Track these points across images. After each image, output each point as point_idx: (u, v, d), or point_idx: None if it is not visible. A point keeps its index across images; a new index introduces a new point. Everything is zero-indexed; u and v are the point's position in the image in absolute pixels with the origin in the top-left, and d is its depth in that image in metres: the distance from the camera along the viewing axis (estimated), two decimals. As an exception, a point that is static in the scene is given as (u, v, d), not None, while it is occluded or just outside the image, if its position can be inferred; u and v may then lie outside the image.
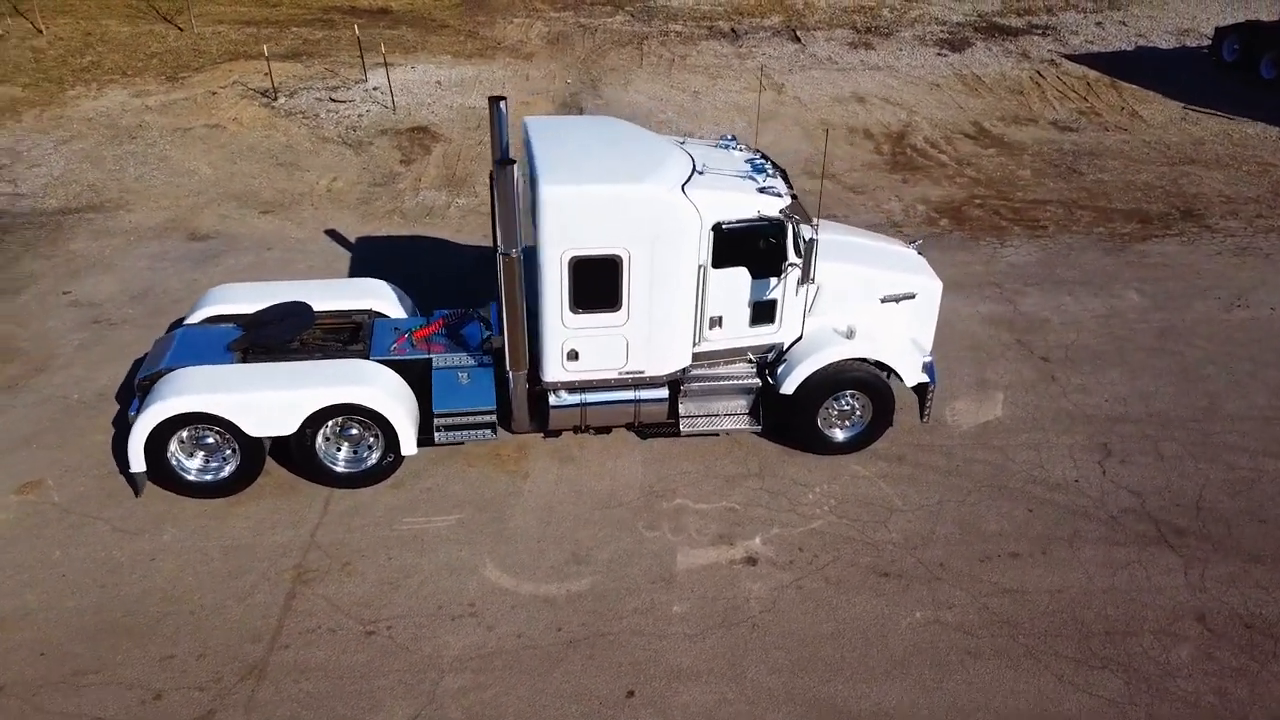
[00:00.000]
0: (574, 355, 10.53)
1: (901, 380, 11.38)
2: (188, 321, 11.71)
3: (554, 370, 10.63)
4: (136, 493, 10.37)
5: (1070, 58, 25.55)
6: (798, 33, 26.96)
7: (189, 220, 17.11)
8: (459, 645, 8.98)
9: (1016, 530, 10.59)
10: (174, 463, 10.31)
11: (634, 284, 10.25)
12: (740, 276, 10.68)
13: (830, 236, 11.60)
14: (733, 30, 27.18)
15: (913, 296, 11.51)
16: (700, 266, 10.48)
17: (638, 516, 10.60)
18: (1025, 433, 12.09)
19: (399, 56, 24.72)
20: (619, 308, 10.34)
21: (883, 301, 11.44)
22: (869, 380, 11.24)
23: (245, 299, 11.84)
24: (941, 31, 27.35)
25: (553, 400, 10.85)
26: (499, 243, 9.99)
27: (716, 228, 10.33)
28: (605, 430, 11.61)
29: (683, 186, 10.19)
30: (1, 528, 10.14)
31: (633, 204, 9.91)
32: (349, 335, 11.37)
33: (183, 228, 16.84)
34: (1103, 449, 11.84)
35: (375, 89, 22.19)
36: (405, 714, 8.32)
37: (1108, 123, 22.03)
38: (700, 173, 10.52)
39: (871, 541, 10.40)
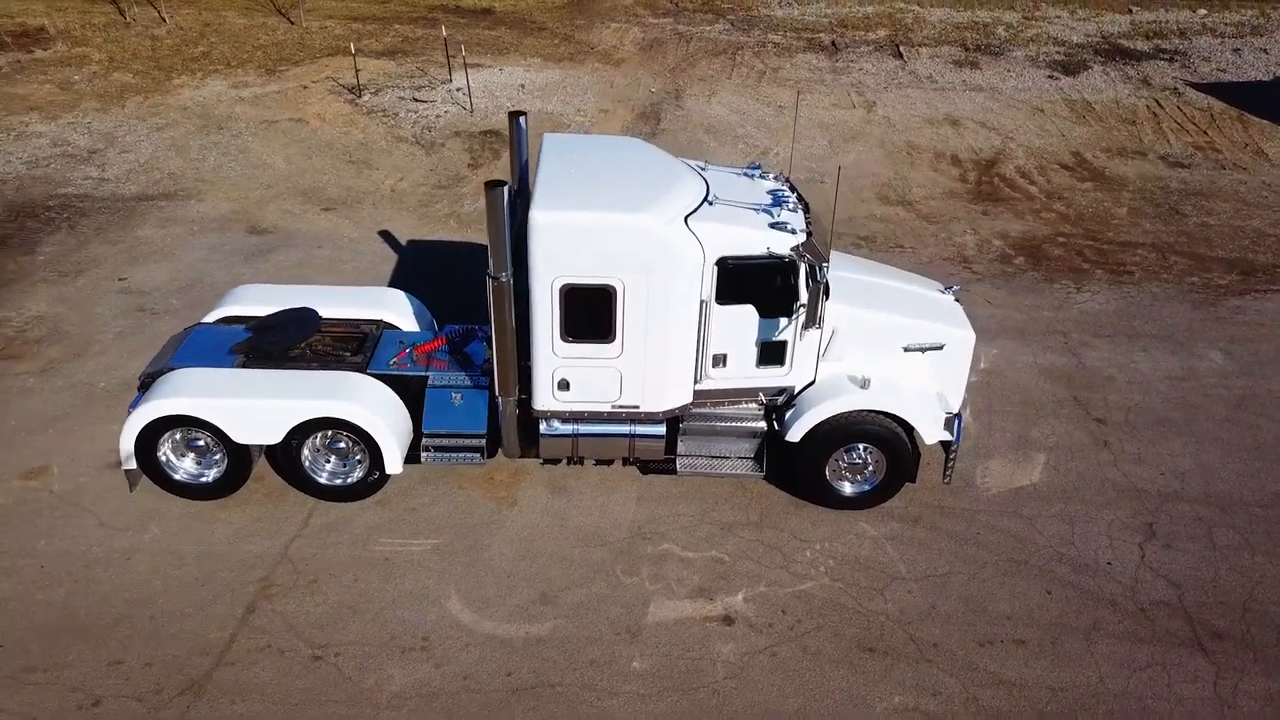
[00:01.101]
0: (565, 385, 10.12)
1: (920, 437, 10.53)
2: (205, 320, 11.80)
3: (544, 399, 10.24)
4: (130, 488, 10.47)
5: (1196, 86, 23.65)
6: (901, 48, 25.84)
7: (252, 213, 17.45)
8: (402, 681, 8.69)
9: (1028, 614, 9.65)
10: (164, 462, 10.37)
11: (629, 316, 9.76)
12: (746, 315, 10.06)
13: (855, 276, 10.91)
14: (833, 44, 26.25)
15: (940, 347, 10.65)
16: (703, 302, 9.91)
17: (619, 559, 10.12)
18: (1061, 503, 11.06)
19: (490, 58, 24.80)
20: (612, 339, 9.87)
21: (906, 350, 10.62)
22: (883, 434, 10.45)
23: (264, 301, 11.85)
24: (1057, 53, 25.76)
25: (544, 428, 10.47)
26: (488, 266, 9.66)
27: (721, 262, 9.75)
28: (607, 460, 11.16)
29: (686, 217, 9.64)
30: (3, 514, 10.39)
31: (626, 234, 9.43)
32: (354, 346, 11.24)
33: (245, 220, 17.18)
34: (1146, 529, 10.72)
35: (458, 90, 22.28)
36: (329, 750, 8.09)
37: (1225, 160, 20.24)
38: (710, 203, 9.95)
39: (863, 610, 9.64)
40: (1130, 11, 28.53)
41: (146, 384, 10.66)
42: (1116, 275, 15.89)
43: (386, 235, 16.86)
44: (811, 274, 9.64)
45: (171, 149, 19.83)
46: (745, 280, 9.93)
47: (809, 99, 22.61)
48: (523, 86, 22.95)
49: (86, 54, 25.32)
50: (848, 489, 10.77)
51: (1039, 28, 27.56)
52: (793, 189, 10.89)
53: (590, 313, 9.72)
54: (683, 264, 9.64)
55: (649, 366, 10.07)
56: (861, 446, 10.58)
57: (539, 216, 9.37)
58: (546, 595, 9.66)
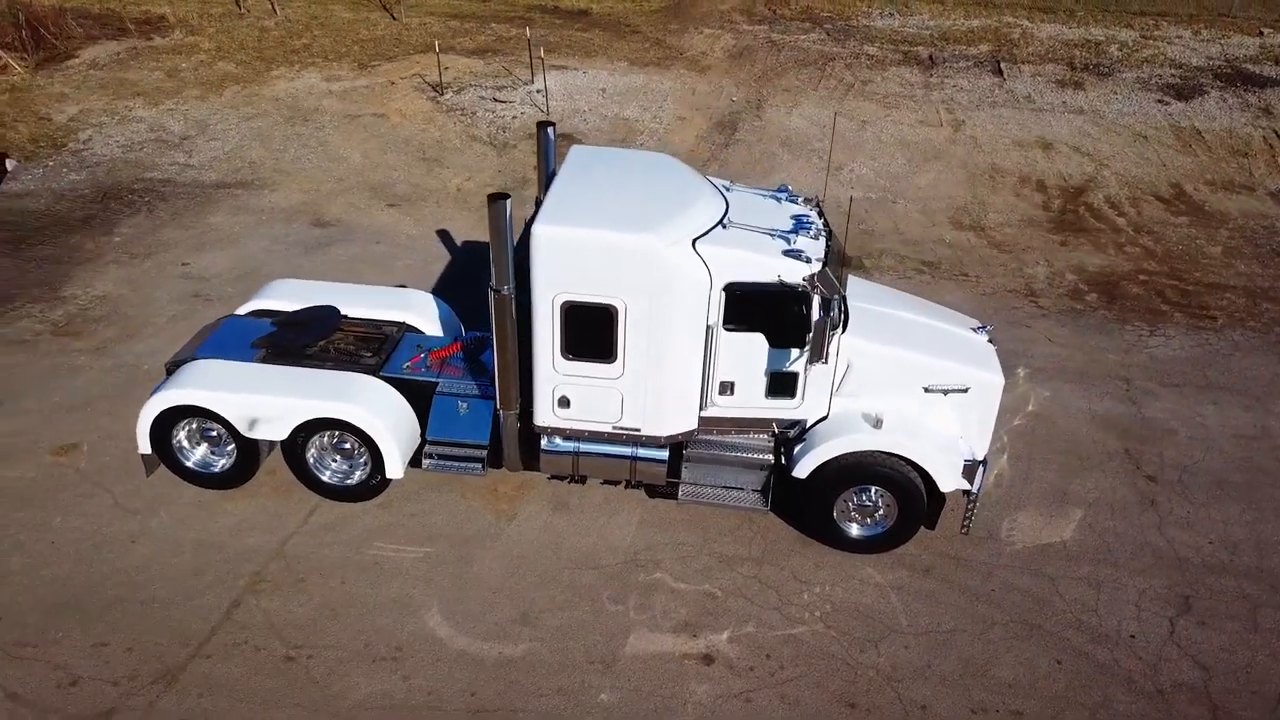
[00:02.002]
0: (565, 402, 9.95)
1: (935, 483, 9.97)
2: (238, 311, 12.07)
3: (544, 415, 10.09)
4: (146, 473, 10.77)
5: (1324, 118, 21.92)
6: (1002, 65, 24.75)
7: (320, 206, 17.85)
8: (366, 690, 8.67)
9: (1032, 683, 9.02)
10: (178, 449, 10.63)
11: (631, 337, 9.52)
12: (755, 343, 9.70)
13: (879, 309, 10.42)
14: (930, 58, 25.34)
15: (964, 390, 10.05)
16: (710, 327, 9.60)
17: (608, 584, 9.89)
18: (1090, 565, 10.32)
19: (577, 60, 24.82)
20: (613, 360, 9.65)
21: (927, 391, 10.07)
22: (894, 478, 9.93)
23: (298, 296, 12.04)
24: (1172, 75, 24.25)
25: (545, 444, 10.33)
26: (491, 279, 9.56)
27: (729, 288, 9.42)
28: (614, 480, 10.95)
29: (695, 240, 9.34)
30: (25, 486, 10.84)
31: (628, 254, 9.18)
32: (374, 347, 11.30)
33: (311, 212, 17.58)
34: (1181, 602, 9.90)
35: (537, 91, 22.35)
36: (281, 754, 8.12)
37: (1345, 201, 18.69)
38: (724, 226, 9.62)
39: (853, 662, 9.17)
40: (1261, 34, 26.67)
41: (172, 371, 10.96)
42: (1197, 320, 14.81)
43: (444, 234, 17.01)
44: (824, 306, 9.23)
45: (256, 139, 20.48)
46: (754, 308, 9.57)
47: (893, 115, 21.87)
48: (603, 90, 22.88)
49: (198, 43, 26.41)
50: (855, 531, 10.29)
51: (1156, 48, 26.01)
52: (820, 214, 10.44)
53: (591, 331, 9.52)
54: (687, 287, 9.35)
55: (651, 390, 9.81)
56: (873, 489, 10.09)
57: (541, 231, 9.23)
58: (527, 615, 9.51)
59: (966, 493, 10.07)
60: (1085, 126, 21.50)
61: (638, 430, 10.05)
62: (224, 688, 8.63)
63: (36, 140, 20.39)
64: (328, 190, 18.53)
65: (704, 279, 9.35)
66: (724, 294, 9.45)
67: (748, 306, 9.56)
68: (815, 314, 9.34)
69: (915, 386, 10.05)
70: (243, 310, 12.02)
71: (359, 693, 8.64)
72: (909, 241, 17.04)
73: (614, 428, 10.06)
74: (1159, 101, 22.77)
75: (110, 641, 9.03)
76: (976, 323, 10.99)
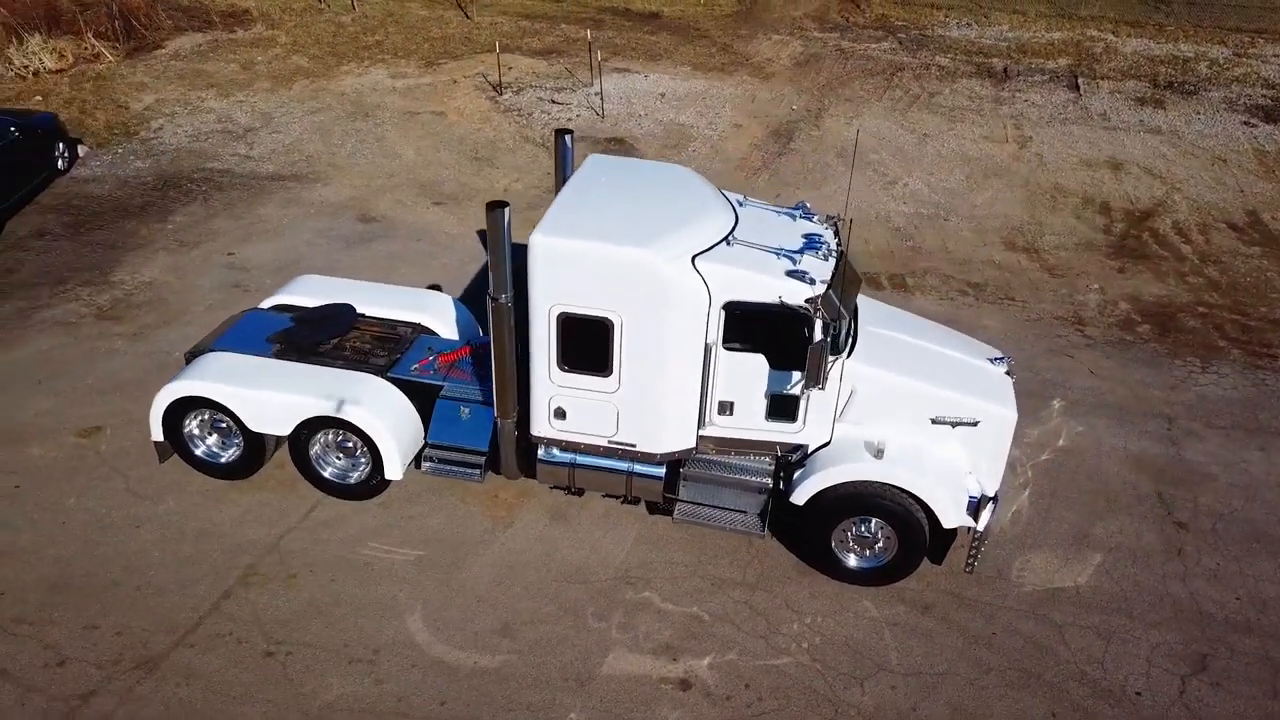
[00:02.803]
0: (561, 414, 9.86)
1: (937, 519, 9.59)
2: (261, 305, 12.28)
3: (541, 425, 10.02)
4: (159, 459, 11.03)
5: None
6: (1079, 80, 23.84)
7: (368, 202, 18.10)
8: (337, 691, 8.71)
9: (1021, 736, 8.60)
10: (189, 438, 10.86)
11: (627, 351, 9.38)
12: (755, 364, 9.47)
13: (890, 334, 10.07)
14: (1004, 70, 24.55)
15: (974, 424, 9.64)
16: (709, 345, 9.40)
17: (594, 600, 9.77)
18: (1103, 614, 9.81)
19: (640, 63, 24.75)
20: (609, 373, 9.52)
21: (934, 422, 9.69)
22: (894, 510, 9.59)
23: (321, 292, 12.21)
24: (1263, 96, 23.04)
25: (542, 454, 10.26)
26: (489, 287, 9.52)
27: (728, 307, 9.21)
28: (614, 494, 10.81)
29: (695, 256, 9.15)
30: (48, 465, 11.21)
31: (625, 268, 9.04)
32: (386, 347, 11.37)
33: (359, 208, 17.84)
34: (1197, 660, 9.34)
35: (596, 94, 22.32)
36: (246, 749, 8.20)
37: None
38: (728, 243, 9.41)
39: (834, 699, 8.87)
40: (1366, 54, 25.15)
41: (190, 360, 11.20)
42: (1255, 358, 13.98)
43: (485, 235, 17.05)
44: (824, 329, 8.94)
45: (316, 133, 20.89)
46: (754, 328, 9.34)
47: (957, 128, 21.23)
48: (662, 95, 22.74)
49: (275, 37, 27.10)
50: (853, 561, 9.97)
51: (1249, 66, 24.75)
52: (836, 234, 10.13)
53: (587, 344, 9.41)
54: (685, 304, 9.16)
55: (647, 405, 9.66)
56: (873, 520, 9.75)
57: (539, 240, 9.15)
58: (508, 627, 9.44)
59: (973, 530, 9.66)
60: (1161, 147, 20.56)
61: (633, 446, 9.91)
62: (201, 679, 8.77)
63: (111, 127, 21.15)
64: (378, 186, 18.78)
65: (703, 296, 9.15)
66: (723, 312, 9.24)
67: (747, 326, 9.34)
68: (817, 337, 9.06)
69: (922, 417, 9.68)
70: (266, 304, 12.23)
71: (330, 694, 8.69)
72: (956, 261, 16.50)
73: (609, 442, 9.93)
74: (1245, 123, 21.65)
75: (101, 625, 9.26)
76: (996, 352, 10.54)
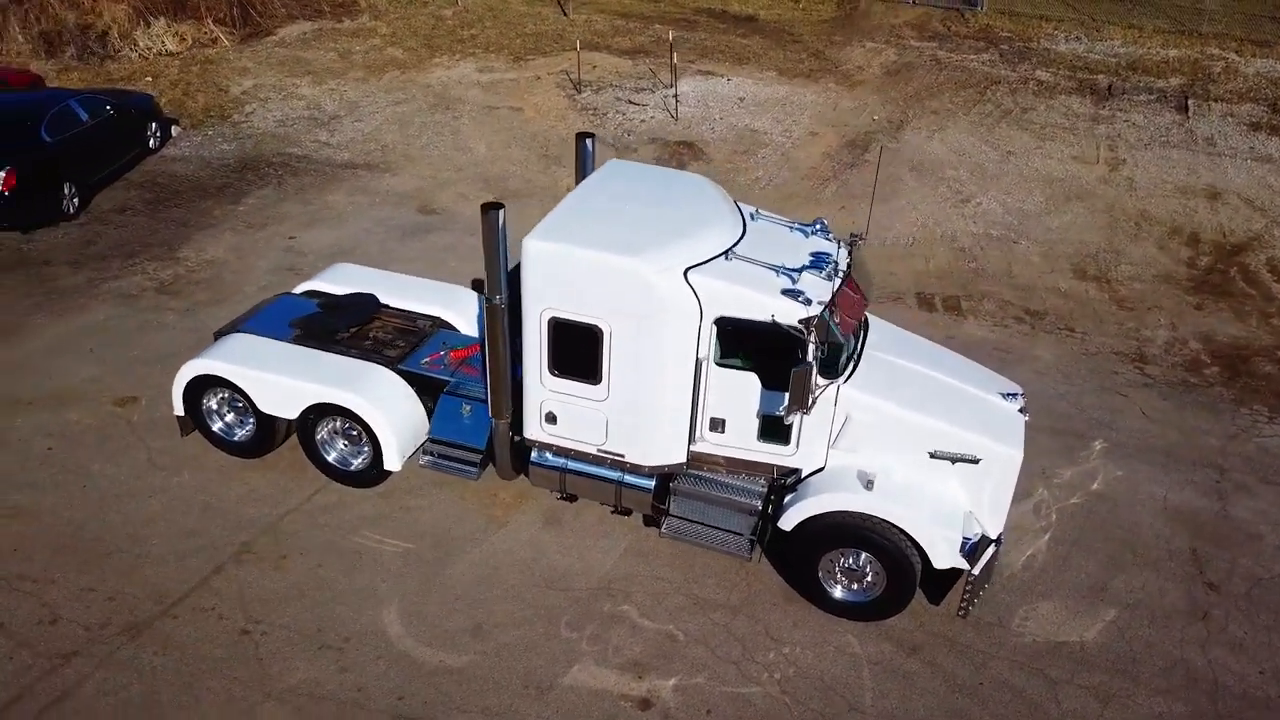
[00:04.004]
0: (552, 418, 9.81)
1: (928, 558, 9.15)
2: (294, 290, 12.61)
3: (533, 429, 9.99)
4: (181, 433, 11.45)
5: None
6: (1189, 101, 22.47)
7: (432, 194, 18.43)
8: (301, 676, 8.86)
9: (989, 796, 8.13)
10: (207, 414, 11.23)
11: (616, 361, 9.26)
12: (747, 381, 9.22)
13: (896, 361, 9.68)
14: (1108, 88, 23.33)
15: (975, 461, 9.16)
16: (700, 360, 9.19)
17: (570, 609, 9.68)
18: (1106, 674, 9.19)
19: (726, 66, 24.48)
20: (599, 381, 9.41)
21: (932, 456, 9.25)
22: (882, 545, 9.19)
23: (355, 281, 12.46)
24: (1395, 127, 21.26)
25: (534, 457, 10.22)
26: (485, 289, 9.54)
27: (720, 322, 8.99)
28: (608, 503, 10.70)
29: (688, 269, 8.95)
30: (82, 431, 11.76)
31: (615, 277, 8.91)
32: (402, 339, 11.52)
33: (422, 199, 18.18)
34: (1201, 736, 8.66)
35: (674, 96, 22.18)
36: (203, 723, 8.42)
37: None
38: (727, 258, 9.17)
39: (796, 736, 8.57)
40: None
41: (218, 339, 11.59)
42: (1333, 412, 12.91)
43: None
44: (812, 351, 8.63)
45: (396, 123, 21.38)
46: (747, 345, 9.11)
47: (1045, 147, 20.28)
48: (741, 100, 22.44)
49: (376, 28, 27.88)
50: (838, 593, 9.62)
51: (1385, 93, 22.87)
52: (850, 254, 9.77)
53: (576, 350, 9.33)
54: (675, 317, 8.97)
55: (636, 417, 9.52)
56: (863, 554, 9.38)
57: (532, 245, 9.12)
58: (481, 628, 9.44)
59: (958, 573, 9.18)
60: (1268, 177, 19.19)
61: (622, 456, 9.78)
62: (177, 649, 9.05)
63: (208, 110, 22.11)
64: (444, 179, 19.10)
65: (694, 310, 8.95)
66: (715, 327, 9.02)
67: (739, 343, 9.12)
68: (810, 358, 8.75)
69: (920, 450, 9.24)
70: (299, 289, 12.55)
71: (294, 677, 8.84)
72: (1019, 286, 15.76)
73: (599, 450, 9.83)
74: (1368, 156, 20.01)
75: (97, 588, 9.65)
76: (1012, 387, 10.00)
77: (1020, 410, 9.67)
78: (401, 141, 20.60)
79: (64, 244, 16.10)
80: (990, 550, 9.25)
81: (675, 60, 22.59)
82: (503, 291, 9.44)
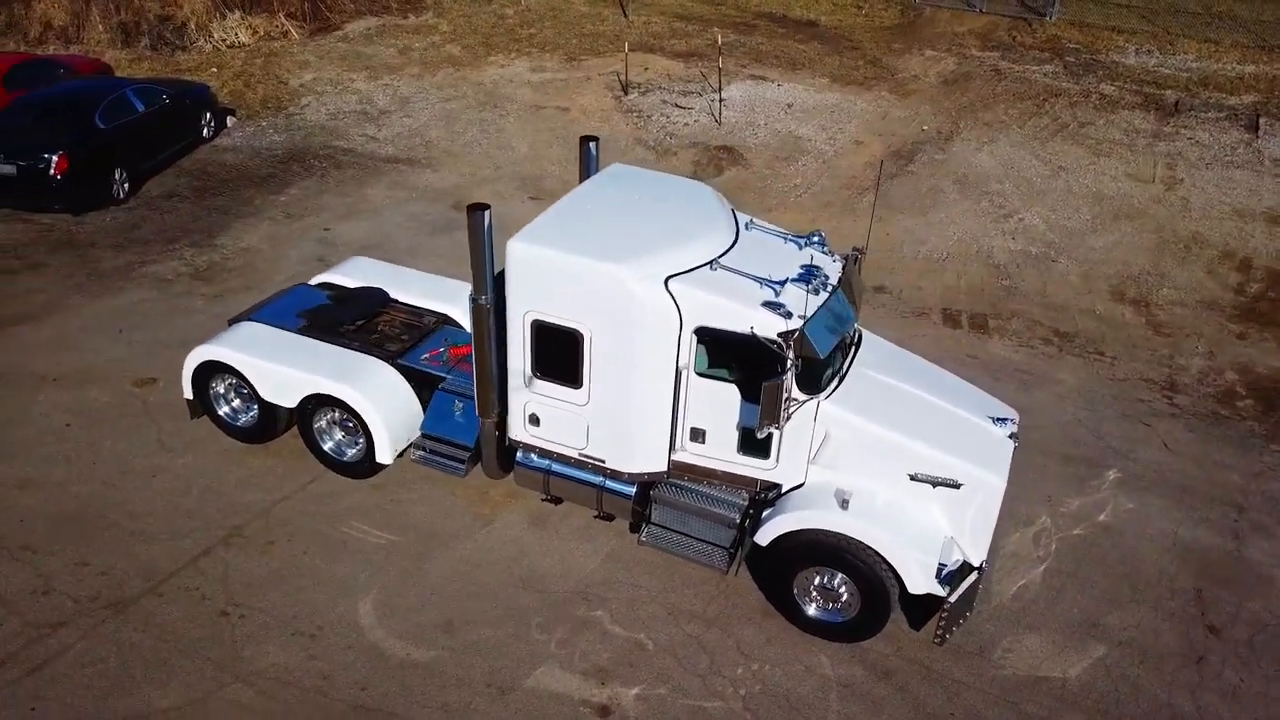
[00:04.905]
0: (535, 420, 9.84)
1: (901, 582, 8.93)
2: (310, 281, 12.87)
3: (517, 429, 10.03)
4: (190, 416, 11.77)
5: None
6: (1260, 119, 21.53)
7: (467, 190, 18.63)
8: (271, 660, 9.04)
9: (942, 831, 7.91)
10: (214, 398, 11.54)
11: (596, 366, 9.24)
12: (728, 393, 9.12)
13: (883, 379, 9.49)
14: (1175, 104, 22.48)
15: (956, 486, 8.91)
16: (680, 369, 9.12)
17: (542, 611, 9.70)
18: (1085, 714, 8.86)
19: (778, 72, 24.25)
20: (579, 386, 9.41)
21: (912, 479, 9.03)
22: (856, 566, 9.01)
23: (370, 275, 12.69)
24: None
25: (519, 457, 10.27)
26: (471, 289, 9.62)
27: (700, 332, 8.91)
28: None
29: (669, 277, 8.89)
30: (101, 409, 12.18)
31: (594, 282, 8.90)
32: (405, 334, 11.67)
33: (457, 196, 18.39)
34: (1178, 785, 8.29)
35: (720, 100, 22.05)
36: (170, 702, 8.62)
37: None
38: (712, 267, 9.08)
39: (752, 754, 8.45)
40: None
41: (230, 325, 11.91)
42: (1371, 454, 12.24)
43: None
44: (786, 366, 8.49)
45: (443, 120, 21.68)
46: (727, 356, 9.02)
47: (1099, 163, 19.63)
48: (789, 106, 22.21)
49: (438, 25, 28.31)
50: (812, 611, 9.46)
51: None
52: (844, 269, 9.59)
53: (558, 353, 9.34)
54: (653, 325, 8.92)
55: (616, 423, 9.49)
56: (839, 574, 9.20)
57: (515, 247, 9.17)
58: (451, 624, 9.52)
59: (935, 600, 8.94)
60: (1335, 202, 18.28)
61: (603, 461, 9.76)
62: (157, 627, 9.31)
63: (265, 101, 22.71)
64: (483, 176, 19.31)
65: (673, 318, 8.89)
66: (695, 336, 8.95)
67: (719, 354, 9.02)
68: (783, 372, 8.61)
69: (899, 471, 9.03)
70: (314, 280, 12.80)
71: (263, 661, 9.03)
72: (1051, 306, 15.29)
73: (580, 454, 9.82)
74: None
75: (91, 562, 9.99)
76: (1006, 412, 9.70)
77: (1010, 436, 9.39)
78: (446, 138, 20.88)
79: (110, 227, 16.71)
80: (971, 578, 9.00)
81: (723, 64, 22.47)
82: (488, 291, 9.50)
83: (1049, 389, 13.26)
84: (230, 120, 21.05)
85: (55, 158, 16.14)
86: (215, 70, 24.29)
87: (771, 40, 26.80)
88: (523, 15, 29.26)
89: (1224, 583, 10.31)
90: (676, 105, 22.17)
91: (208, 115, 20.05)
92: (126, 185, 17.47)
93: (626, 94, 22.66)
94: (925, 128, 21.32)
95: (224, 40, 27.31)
